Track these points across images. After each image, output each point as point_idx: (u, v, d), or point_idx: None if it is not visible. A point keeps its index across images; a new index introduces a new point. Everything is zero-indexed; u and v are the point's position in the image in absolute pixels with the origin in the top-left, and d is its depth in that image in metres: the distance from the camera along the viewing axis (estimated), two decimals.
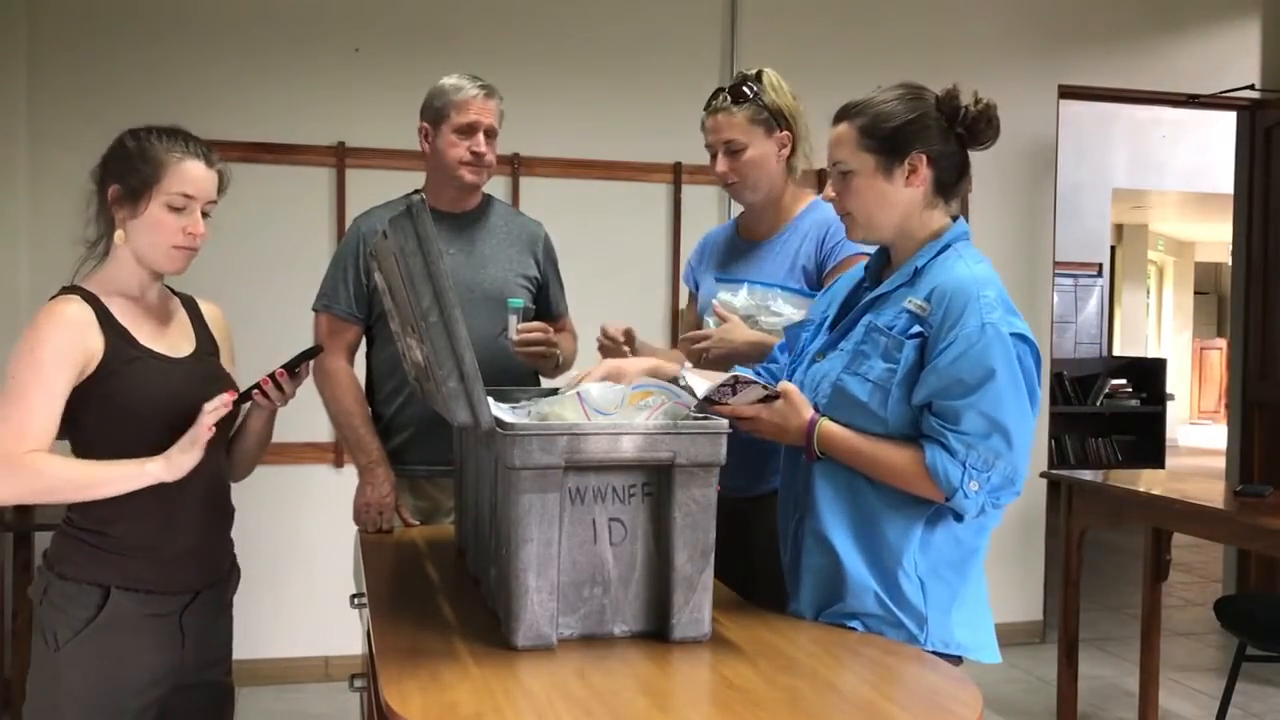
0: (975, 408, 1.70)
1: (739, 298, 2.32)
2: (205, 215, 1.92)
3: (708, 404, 1.79)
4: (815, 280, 2.27)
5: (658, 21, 4.49)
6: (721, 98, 2.29)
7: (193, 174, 1.88)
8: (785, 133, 2.30)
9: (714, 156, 2.33)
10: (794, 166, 2.35)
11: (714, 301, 2.34)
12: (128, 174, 1.87)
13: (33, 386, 1.79)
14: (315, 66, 4.17)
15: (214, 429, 1.82)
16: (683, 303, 2.60)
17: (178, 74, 4.03)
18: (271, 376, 1.93)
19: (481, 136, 2.52)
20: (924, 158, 1.82)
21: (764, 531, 2.10)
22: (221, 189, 1.95)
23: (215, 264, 1.98)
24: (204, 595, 1.98)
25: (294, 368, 1.95)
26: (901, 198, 1.84)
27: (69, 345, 1.81)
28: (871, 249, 1.98)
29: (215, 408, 1.83)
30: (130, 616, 1.87)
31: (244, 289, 3.85)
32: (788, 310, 2.26)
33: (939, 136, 1.83)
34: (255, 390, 1.94)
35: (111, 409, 1.84)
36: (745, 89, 2.28)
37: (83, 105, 3.95)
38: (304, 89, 4.17)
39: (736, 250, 2.43)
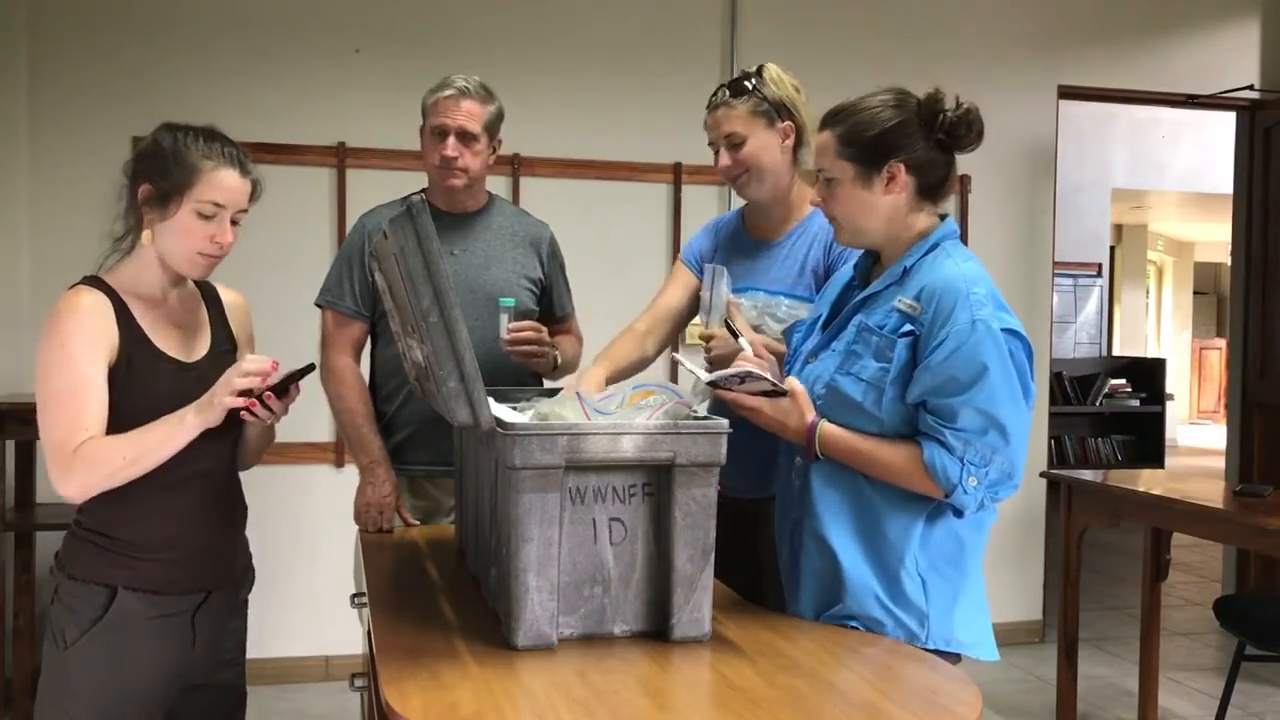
0: (970, 404, 1.71)
1: (744, 306, 2.32)
2: (235, 223, 1.89)
3: (713, 387, 1.83)
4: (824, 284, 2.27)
5: (658, 21, 4.49)
6: (721, 93, 2.29)
7: (226, 183, 1.85)
8: (787, 123, 2.28)
9: (717, 154, 2.32)
10: (800, 158, 2.33)
11: (729, 299, 2.32)
12: (160, 175, 1.84)
13: (71, 381, 1.77)
14: (315, 66, 4.17)
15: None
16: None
17: (178, 73, 4.03)
18: (260, 398, 1.81)
19: (451, 140, 2.46)
20: (902, 166, 1.82)
21: (771, 533, 2.10)
22: (254, 197, 1.91)
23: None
24: (217, 595, 1.97)
25: (283, 389, 1.84)
26: (882, 204, 1.84)
27: (94, 332, 1.80)
28: None
29: (246, 379, 1.78)
30: (138, 616, 1.86)
31: (243, 289, 3.82)
32: (792, 317, 2.25)
33: (918, 143, 1.82)
34: (243, 411, 1.82)
35: (119, 413, 1.82)
36: (745, 83, 2.28)
37: (83, 104, 3.94)
38: (304, 89, 4.17)
39: (745, 250, 2.40)
